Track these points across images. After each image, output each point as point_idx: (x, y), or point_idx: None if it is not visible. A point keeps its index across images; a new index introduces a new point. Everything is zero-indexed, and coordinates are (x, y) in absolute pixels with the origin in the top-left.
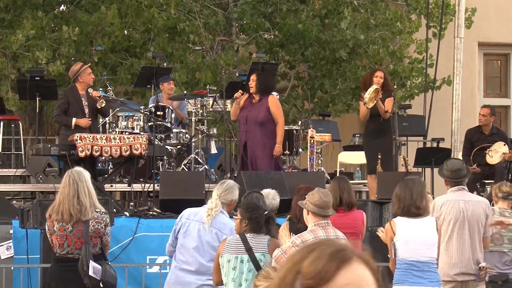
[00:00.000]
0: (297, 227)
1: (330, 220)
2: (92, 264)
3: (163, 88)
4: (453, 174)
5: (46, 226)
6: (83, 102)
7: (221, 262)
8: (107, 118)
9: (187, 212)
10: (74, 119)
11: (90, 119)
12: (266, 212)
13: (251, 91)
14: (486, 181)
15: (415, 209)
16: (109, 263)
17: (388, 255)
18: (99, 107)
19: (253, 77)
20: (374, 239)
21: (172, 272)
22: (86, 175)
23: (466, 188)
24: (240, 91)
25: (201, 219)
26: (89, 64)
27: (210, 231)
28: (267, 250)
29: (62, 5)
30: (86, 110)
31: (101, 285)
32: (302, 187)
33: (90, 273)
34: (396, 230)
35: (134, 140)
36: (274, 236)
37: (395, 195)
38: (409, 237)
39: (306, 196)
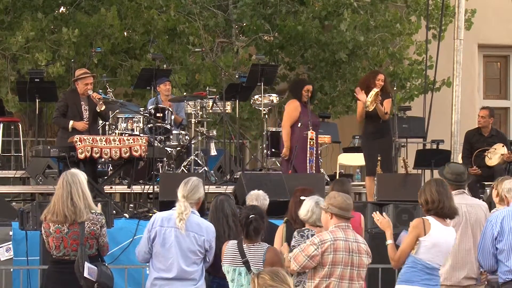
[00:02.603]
0: (294, 228)
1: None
2: (87, 265)
3: (159, 89)
4: (456, 178)
5: (42, 228)
6: (83, 106)
7: (223, 269)
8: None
9: (159, 218)
10: (71, 122)
11: (87, 122)
12: (252, 215)
13: (305, 100)
14: (485, 183)
15: (450, 211)
16: (106, 264)
17: (387, 244)
18: (99, 110)
19: (310, 88)
20: (373, 240)
21: (154, 284)
22: (81, 176)
23: (467, 192)
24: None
25: (175, 225)
26: (94, 75)
27: (188, 236)
28: (262, 263)
29: (62, 7)
30: (86, 114)
31: (96, 286)
32: (298, 189)
33: (85, 274)
34: (429, 230)
35: (134, 142)
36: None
37: (429, 192)
38: (437, 242)
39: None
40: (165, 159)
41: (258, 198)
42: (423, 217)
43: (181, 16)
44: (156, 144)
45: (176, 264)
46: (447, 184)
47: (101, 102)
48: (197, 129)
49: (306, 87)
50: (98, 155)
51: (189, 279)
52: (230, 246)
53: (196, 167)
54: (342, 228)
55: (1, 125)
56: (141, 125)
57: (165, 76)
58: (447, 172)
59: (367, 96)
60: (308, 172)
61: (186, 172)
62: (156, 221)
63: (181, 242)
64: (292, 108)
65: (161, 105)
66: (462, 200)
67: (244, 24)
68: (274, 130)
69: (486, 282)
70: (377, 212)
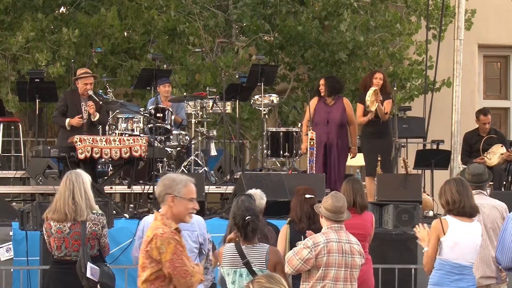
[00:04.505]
0: (299, 227)
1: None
2: (89, 265)
3: (160, 90)
4: (474, 178)
5: (43, 228)
6: (83, 106)
7: (222, 272)
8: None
9: (148, 222)
10: (67, 120)
11: (81, 116)
12: (248, 217)
13: (322, 94)
14: None
15: (471, 209)
16: (107, 265)
17: (423, 251)
18: (93, 120)
19: (322, 81)
20: (373, 241)
21: None
22: (85, 177)
23: (485, 193)
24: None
25: None
26: (94, 75)
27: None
28: (265, 264)
29: (62, 7)
30: (85, 114)
31: (99, 287)
32: (300, 188)
33: (88, 274)
34: (447, 229)
35: (134, 142)
36: (266, 238)
37: (450, 193)
38: (459, 240)
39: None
40: (165, 159)
41: (254, 197)
42: (440, 217)
43: (181, 16)
44: (156, 144)
45: None
46: (467, 182)
47: (95, 105)
48: (197, 129)
49: (320, 82)
50: (98, 155)
51: None
52: (228, 249)
53: (196, 167)
54: (335, 230)
55: (1, 125)
56: (141, 125)
57: (166, 76)
58: (466, 173)
59: (365, 96)
60: (309, 172)
61: (186, 172)
62: (146, 225)
63: None
64: (308, 107)
65: (161, 105)
66: (479, 200)
67: (244, 24)
68: (274, 130)
69: (507, 280)
70: (420, 225)
